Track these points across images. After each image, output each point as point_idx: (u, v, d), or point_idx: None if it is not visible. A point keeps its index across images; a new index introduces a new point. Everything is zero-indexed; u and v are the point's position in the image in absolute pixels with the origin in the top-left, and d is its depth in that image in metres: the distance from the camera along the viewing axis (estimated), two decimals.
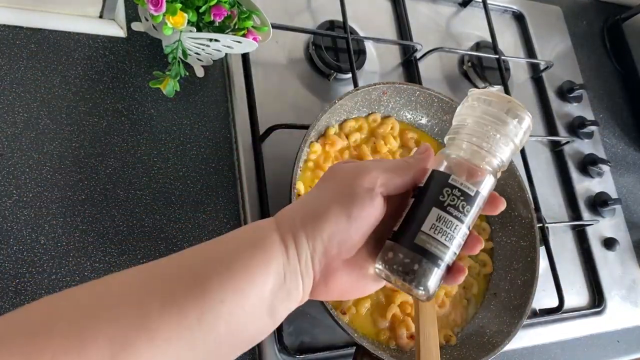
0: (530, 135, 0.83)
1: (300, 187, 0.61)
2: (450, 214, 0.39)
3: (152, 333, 0.32)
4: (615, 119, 0.99)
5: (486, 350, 0.60)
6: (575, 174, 0.89)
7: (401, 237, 0.39)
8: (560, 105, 0.93)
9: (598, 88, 1.00)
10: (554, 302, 0.75)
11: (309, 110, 0.73)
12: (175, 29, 0.56)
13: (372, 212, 0.39)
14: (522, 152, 0.81)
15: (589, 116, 0.94)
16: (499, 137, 0.40)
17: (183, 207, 0.62)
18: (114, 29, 0.65)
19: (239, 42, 0.61)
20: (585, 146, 0.91)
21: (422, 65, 0.82)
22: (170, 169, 0.63)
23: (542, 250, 0.76)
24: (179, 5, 0.55)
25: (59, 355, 0.30)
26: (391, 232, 0.40)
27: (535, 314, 0.76)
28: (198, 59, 0.66)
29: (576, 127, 0.91)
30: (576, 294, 0.82)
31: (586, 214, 0.87)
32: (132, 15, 0.66)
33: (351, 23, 0.77)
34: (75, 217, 0.57)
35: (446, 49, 0.82)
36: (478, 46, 0.89)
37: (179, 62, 0.60)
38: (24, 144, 0.57)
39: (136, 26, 0.66)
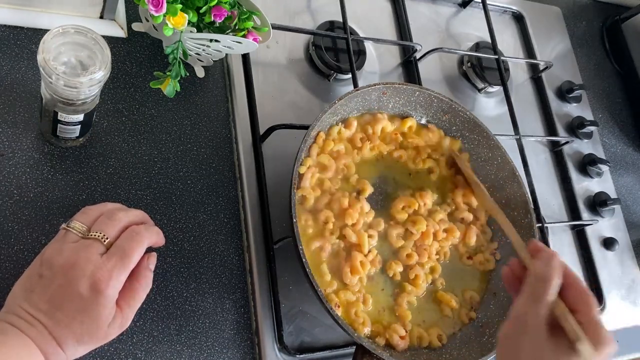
0: (530, 136, 0.85)
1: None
2: None
3: None
4: (615, 119, 0.99)
5: (486, 350, 0.60)
6: (574, 174, 0.89)
7: None
8: (560, 105, 0.93)
9: (597, 88, 1.00)
10: None
11: (309, 110, 0.73)
12: (176, 29, 0.56)
13: None
14: (522, 152, 0.81)
15: (588, 116, 0.94)
16: None
17: (183, 207, 0.62)
18: (115, 30, 0.65)
19: (239, 42, 0.61)
20: (584, 146, 0.92)
21: (421, 65, 0.82)
22: (170, 169, 0.63)
23: None
24: (180, 6, 0.55)
25: None
26: None
27: None
28: (198, 60, 0.66)
29: (575, 127, 0.91)
30: None
31: (585, 214, 0.87)
32: (132, 15, 0.66)
33: (351, 23, 0.77)
34: None
35: (446, 50, 0.83)
36: (477, 47, 0.89)
37: (179, 62, 0.60)
38: (24, 144, 0.57)
39: (137, 27, 0.66)
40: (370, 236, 0.62)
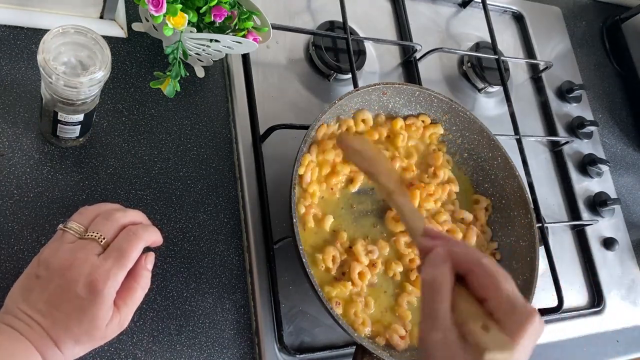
0: (530, 136, 0.85)
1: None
2: None
3: None
4: (615, 119, 0.99)
5: None
6: (574, 174, 0.89)
7: None
8: (560, 105, 0.93)
9: (597, 88, 1.00)
10: (553, 302, 0.76)
11: (309, 110, 0.73)
12: (176, 29, 0.56)
13: None
14: (522, 152, 0.81)
15: (588, 116, 0.94)
16: None
17: (183, 207, 0.62)
18: (115, 30, 0.65)
19: (239, 42, 0.61)
20: (584, 146, 0.92)
21: (421, 65, 0.82)
22: (170, 169, 0.63)
23: (541, 250, 0.76)
24: (180, 6, 0.55)
25: None
26: None
27: None
28: (198, 60, 0.66)
29: (575, 127, 0.91)
30: (575, 294, 0.82)
31: (585, 214, 0.87)
32: (132, 15, 0.66)
33: (351, 23, 0.77)
34: None
35: (446, 50, 0.83)
36: (478, 47, 0.89)
37: (179, 62, 0.60)
38: (24, 144, 0.57)
39: (137, 27, 0.66)
40: (370, 251, 0.62)
